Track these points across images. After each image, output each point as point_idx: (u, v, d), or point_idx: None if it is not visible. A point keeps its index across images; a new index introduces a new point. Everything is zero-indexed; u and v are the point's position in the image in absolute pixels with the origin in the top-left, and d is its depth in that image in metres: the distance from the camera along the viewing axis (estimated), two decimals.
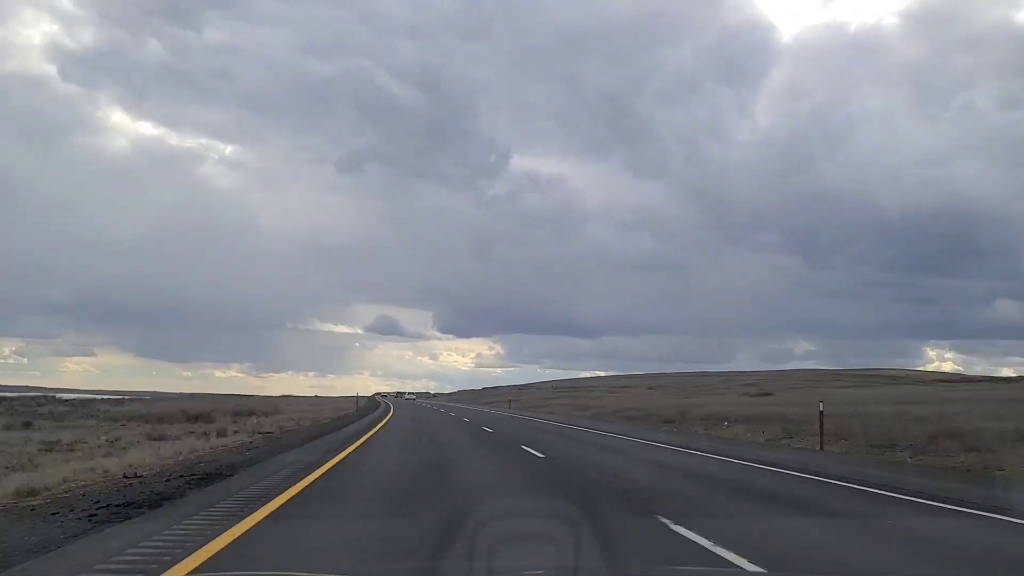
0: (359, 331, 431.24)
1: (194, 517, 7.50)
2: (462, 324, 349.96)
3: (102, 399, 78.68)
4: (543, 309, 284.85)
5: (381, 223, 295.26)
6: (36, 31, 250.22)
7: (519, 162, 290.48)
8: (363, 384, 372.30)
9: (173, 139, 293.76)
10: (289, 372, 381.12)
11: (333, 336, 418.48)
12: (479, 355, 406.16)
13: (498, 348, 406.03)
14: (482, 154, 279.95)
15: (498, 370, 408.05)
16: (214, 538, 6.37)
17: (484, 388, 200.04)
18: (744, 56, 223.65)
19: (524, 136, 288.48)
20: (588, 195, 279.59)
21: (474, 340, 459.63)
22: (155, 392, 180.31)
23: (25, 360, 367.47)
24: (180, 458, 14.32)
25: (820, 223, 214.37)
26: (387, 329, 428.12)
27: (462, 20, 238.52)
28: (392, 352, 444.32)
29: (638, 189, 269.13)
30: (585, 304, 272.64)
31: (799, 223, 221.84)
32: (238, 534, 6.62)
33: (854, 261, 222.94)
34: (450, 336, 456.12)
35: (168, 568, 5.34)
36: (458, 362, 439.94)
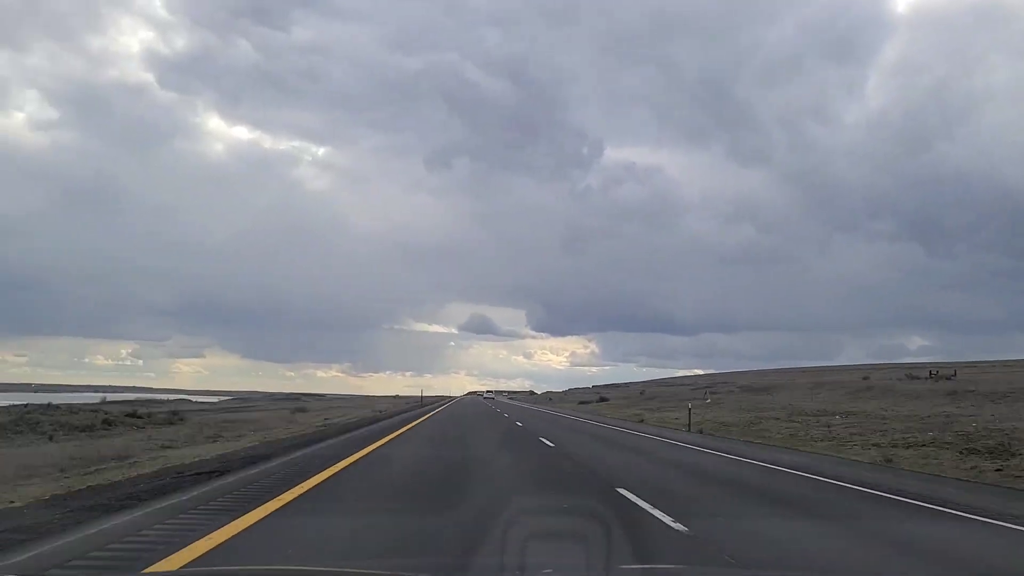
0: (453, 330, 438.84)
1: None
2: (556, 322, 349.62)
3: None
4: (638, 305, 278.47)
5: (472, 221, 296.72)
6: (135, 39, 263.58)
7: (612, 153, 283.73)
8: (459, 384, 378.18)
9: (268, 142, 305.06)
10: (387, 372, 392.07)
11: (428, 336, 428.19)
12: (573, 353, 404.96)
13: (592, 346, 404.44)
14: (573, 145, 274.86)
15: (593, 369, 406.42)
16: None
17: (571, 388, 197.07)
18: (854, 29, 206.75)
19: (617, 125, 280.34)
20: (686, 185, 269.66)
21: (568, 338, 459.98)
22: (262, 392, 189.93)
23: (140, 362, 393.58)
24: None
25: (941, 208, 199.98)
26: (481, 328, 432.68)
27: (548, 5, 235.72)
28: (487, 351, 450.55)
29: (739, 177, 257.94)
30: (682, 300, 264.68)
31: (917, 209, 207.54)
32: None
33: (979, 249, 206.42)
34: (544, 334, 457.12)
35: None
36: (552, 361, 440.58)
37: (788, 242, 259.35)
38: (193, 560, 5.26)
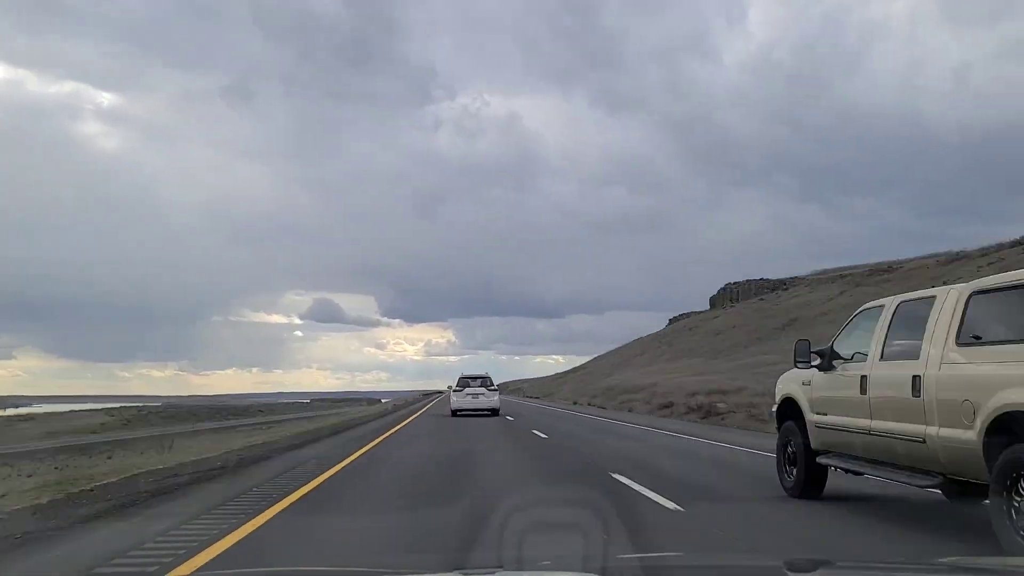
0: (296, 320, 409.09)
1: None
2: (409, 308, 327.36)
3: None
4: (498, 286, 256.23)
5: (303, 187, 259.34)
6: None
7: (466, 98, 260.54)
8: (312, 379, 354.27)
9: (33, 83, 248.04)
10: (232, 368, 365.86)
11: (270, 327, 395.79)
12: (429, 342, 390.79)
13: (449, 334, 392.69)
14: (419, 85, 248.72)
15: (452, 358, 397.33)
16: None
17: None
18: None
19: (469, 62, 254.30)
20: (549, 139, 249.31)
21: (423, 326, 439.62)
22: (92, 396, 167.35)
23: None
24: None
25: (845, 161, 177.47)
26: (327, 316, 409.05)
27: None
28: (337, 343, 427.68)
29: (609, 128, 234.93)
30: (546, 278, 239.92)
31: (817, 163, 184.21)
32: None
33: (892, 205, 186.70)
34: (398, 321, 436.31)
35: None
36: (407, 352, 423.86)
37: (668, 206, 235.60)
38: None
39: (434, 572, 3.36)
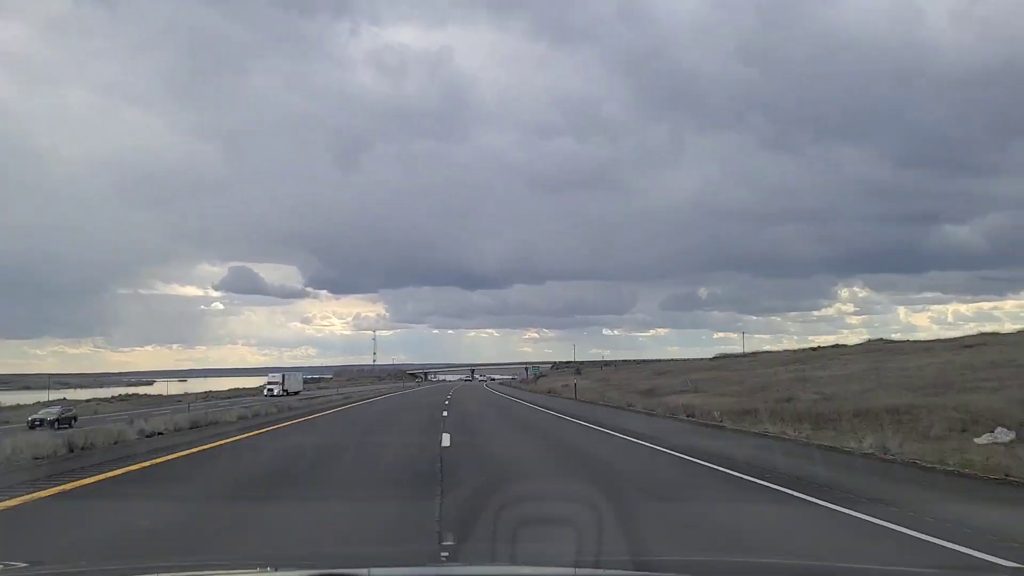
0: (212, 292, 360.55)
1: None
2: (336, 277, 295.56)
3: None
4: (429, 253, 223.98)
5: (205, 137, 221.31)
6: None
7: (385, 31, 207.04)
8: (238, 356, 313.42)
9: None
10: (152, 345, 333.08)
11: (184, 301, 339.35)
12: (358, 316, 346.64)
13: (380, 307, 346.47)
14: (332, 15, 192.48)
15: (385, 332, 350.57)
16: None
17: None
18: None
19: None
20: (483, 79, 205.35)
21: (351, 298, 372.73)
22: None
23: None
24: None
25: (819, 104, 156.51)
26: (247, 287, 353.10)
27: None
28: (262, 317, 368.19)
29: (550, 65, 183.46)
30: (483, 244, 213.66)
31: (788, 107, 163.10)
32: None
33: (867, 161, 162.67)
34: (324, 292, 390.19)
35: None
36: (335, 326, 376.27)
37: (619, 158, 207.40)
38: None
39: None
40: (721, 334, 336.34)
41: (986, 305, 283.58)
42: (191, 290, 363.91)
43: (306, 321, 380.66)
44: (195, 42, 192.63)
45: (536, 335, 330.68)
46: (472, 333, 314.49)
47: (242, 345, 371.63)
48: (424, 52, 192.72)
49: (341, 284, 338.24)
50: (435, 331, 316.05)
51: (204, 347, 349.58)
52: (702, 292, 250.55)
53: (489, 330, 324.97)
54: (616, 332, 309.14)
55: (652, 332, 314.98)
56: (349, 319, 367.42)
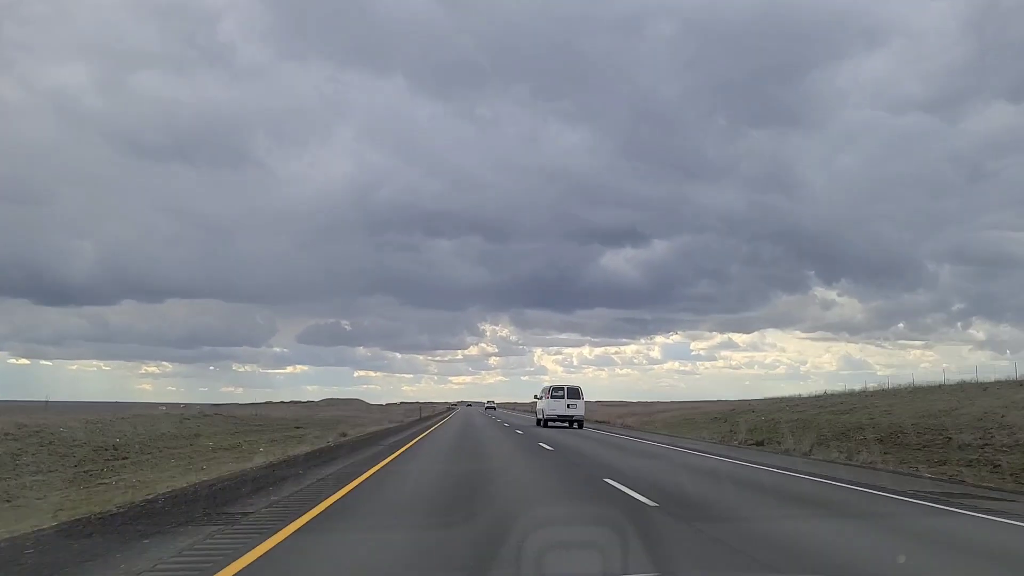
0: None
1: None
2: None
3: None
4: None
5: None
6: None
7: None
8: None
9: None
10: None
11: None
12: None
13: None
14: None
15: None
16: None
17: None
18: None
19: None
20: None
21: None
22: None
23: None
24: None
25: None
26: None
27: None
28: None
29: None
30: (70, 241, 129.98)
31: None
32: None
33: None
34: None
35: None
36: None
37: (248, 116, 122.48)
38: None
39: None
40: (362, 372, 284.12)
41: None
42: None
43: None
44: None
45: (155, 369, 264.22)
46: (75, 365, 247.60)
47: None
48: None
49: None
50: (12, 360, 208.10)
51: None
52: (346, 324, 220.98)
53: (96, 362, 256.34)
54: (249, 368, 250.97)
55: (290, 369, 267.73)
56: None
